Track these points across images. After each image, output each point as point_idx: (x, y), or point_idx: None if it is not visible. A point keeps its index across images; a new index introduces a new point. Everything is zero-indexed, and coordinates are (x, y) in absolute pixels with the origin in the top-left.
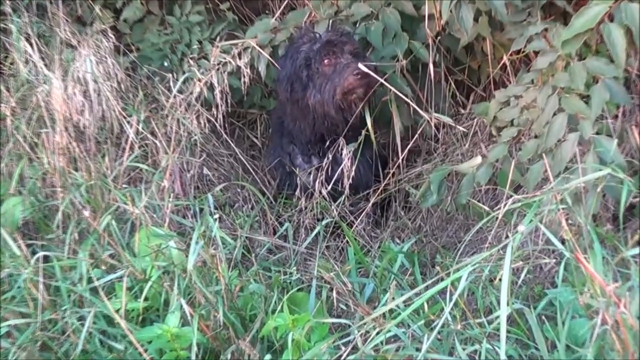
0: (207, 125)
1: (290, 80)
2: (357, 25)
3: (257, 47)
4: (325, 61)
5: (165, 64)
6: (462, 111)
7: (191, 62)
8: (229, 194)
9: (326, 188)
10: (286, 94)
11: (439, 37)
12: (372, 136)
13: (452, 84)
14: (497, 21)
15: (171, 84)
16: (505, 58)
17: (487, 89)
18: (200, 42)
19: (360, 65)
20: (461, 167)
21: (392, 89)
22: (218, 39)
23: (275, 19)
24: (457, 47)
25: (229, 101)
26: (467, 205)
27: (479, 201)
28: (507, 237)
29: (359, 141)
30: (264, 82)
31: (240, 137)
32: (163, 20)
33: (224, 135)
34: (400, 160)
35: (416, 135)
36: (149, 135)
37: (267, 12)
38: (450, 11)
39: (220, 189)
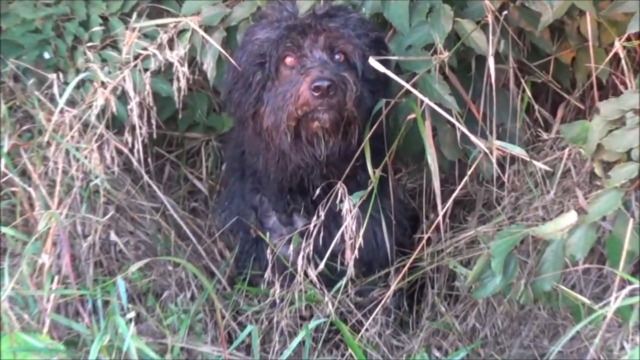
0: (117, 159)
1: (237, 86)
2: None
3: (201, 31)
4: (287, 59)
5: (46, 55)
6: (544, 135)
7: (89, 53)
8: (154, 275)
9: (317, 265)
10: (231, 108)
11: (505, 12)
12: (392, 178)
13: (527, 90)
14: None
15: (55, 90)
16: (617, 45)
17: (586, 98)
18: (105, 20)
19: (326, 73)
20: (543, 231)
21: (425, 100)
22: (135, 15)
23: None
24: (536, 28)
25: (153, 120)
26: (554, 293)
27: (573, 288)
28: (622, 349)
29: (370, 187)
30: (212, 88)
31: (173, 179)
32: None
33: (145, 177)
34: (440, 218)
35: (466, 177)
36: (16, 178)
37: None
38: None
39: (138, 267)
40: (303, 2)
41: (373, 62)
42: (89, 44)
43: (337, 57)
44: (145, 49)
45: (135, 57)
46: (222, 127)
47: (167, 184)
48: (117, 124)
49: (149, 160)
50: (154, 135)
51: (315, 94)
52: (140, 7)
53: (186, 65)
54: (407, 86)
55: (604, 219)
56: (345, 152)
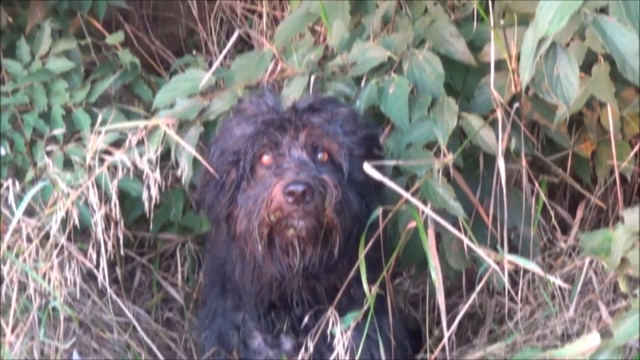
0: (81, 270)
1: (209, 186)
2: (363, 85)
3: (174, 135)
4: (264, 157)
5: (2, 152)
6: (562, 244)
7: (48, 160)
8: None
9: None
10: (205, 210)
11: (515, 105)
12: (390, 293)
13: (540, 190)
14: None
15: (10, 195)
16: None
17: (608, 196)
18: (67, 111)
19: (302, 175)
20: (562, 354)
21: (426, 210)
22: (100, 117)
23: (214, 69)
24: (552, 121)
25: (120, 222)
26: None
27: None
28: None
29: (366, 306)
30: (189, 185)
31: (145, 286)
32: None
33: (110, 292)
34: (446, 338)
35: (475, 293)
36: None
37: (195, 50)
38: (539, 58)
39: None
40: (294, 88)
41: (368, 167)
42: (49, 148)
43: (319, 156)
44: (111, 153)
45: (101, 160)
46: (200, 227)
47: (138, 291)
48: (82, 230)
49: (118, 266)
50: (120, 242)
51: (289, 199)
52: (112, 93)
53: (158, 170)
54: (407, 195)
55: None
56: (327, 263)
